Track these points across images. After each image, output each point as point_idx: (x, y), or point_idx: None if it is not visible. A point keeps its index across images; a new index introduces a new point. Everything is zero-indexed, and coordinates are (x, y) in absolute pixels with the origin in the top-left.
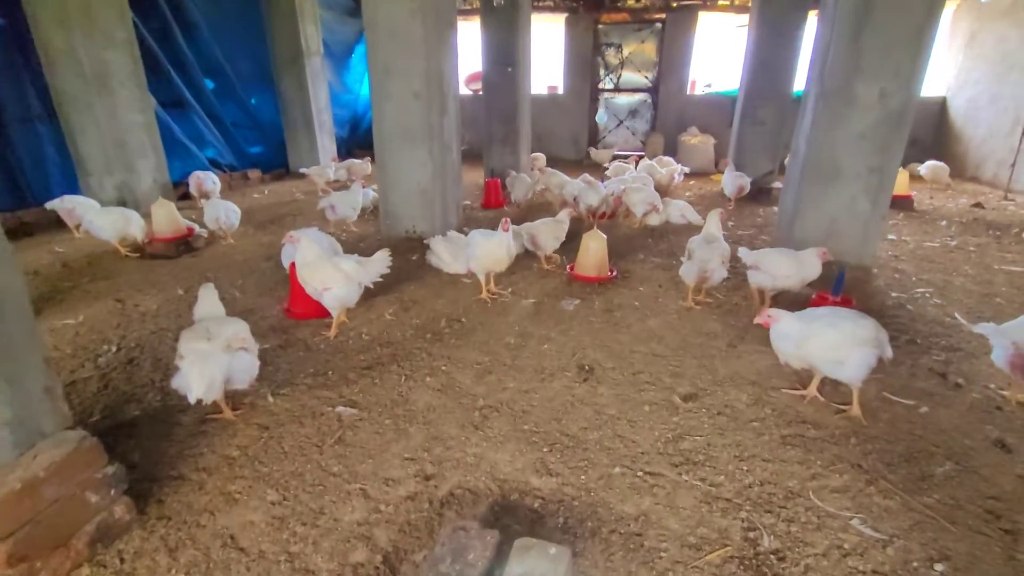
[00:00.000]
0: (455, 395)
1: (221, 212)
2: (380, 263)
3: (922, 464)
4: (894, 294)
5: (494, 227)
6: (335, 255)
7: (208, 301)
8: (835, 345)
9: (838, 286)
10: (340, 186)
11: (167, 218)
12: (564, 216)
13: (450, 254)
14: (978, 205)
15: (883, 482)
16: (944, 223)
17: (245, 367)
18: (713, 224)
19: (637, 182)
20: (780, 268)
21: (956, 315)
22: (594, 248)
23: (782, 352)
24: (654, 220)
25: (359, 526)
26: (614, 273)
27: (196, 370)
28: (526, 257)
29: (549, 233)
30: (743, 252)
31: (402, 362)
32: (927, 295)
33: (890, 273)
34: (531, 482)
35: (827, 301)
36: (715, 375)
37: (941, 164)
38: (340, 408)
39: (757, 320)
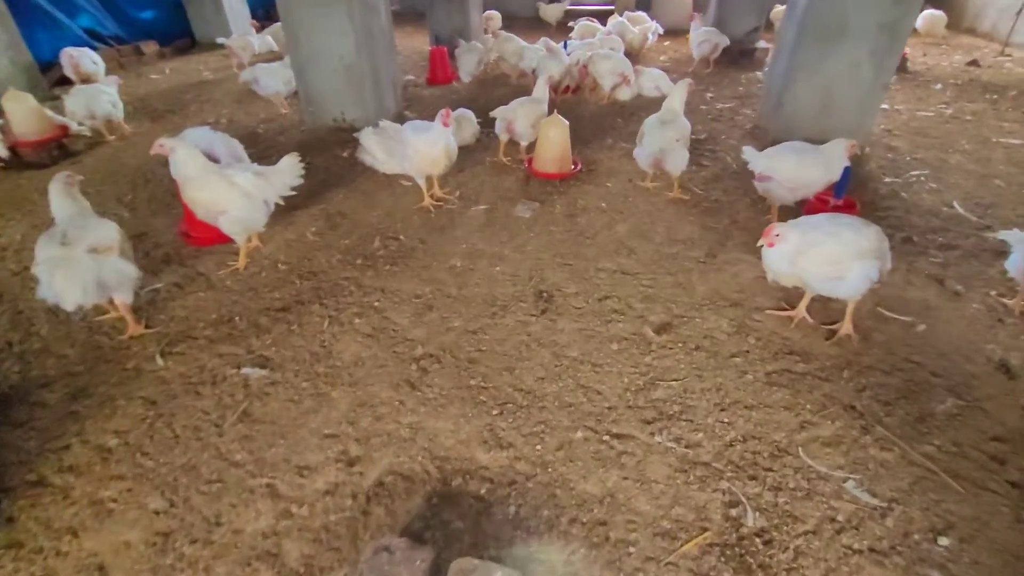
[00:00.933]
0: (389, 342)
1: (91, 101)
2: (288, 173)
3: (921, 401)
4: (887, 179)
5: (444, 106)
6: (233, 165)
7: (58, 200)
8: (835, 259)
9: (842, 186)
10: (269, 60)
11: (27, 115)
12: (542, 91)
13: (384, 150)
14: (973, 63)
15: (879, 428)
16: (939, 86)
17: (118, 274)
18: (676, 99)
19: (605, 47)
20: (803, 174)
21: (955, 204)
22: (555, 138)
23: (773, 271)
24: (625, 94)
25: (264, 538)
26: (578, 167)
27: (60, 275)
28: (478, 148)
29: (527, 118)
30: (749, 153)
31: (326, 299)
32: (922, 179)
33: (883, 152)
34: (477, 458)
35: (826, 206)
36: (692, 295)
37: (939, 13)
38: (247, 369)
39: (762, 242)
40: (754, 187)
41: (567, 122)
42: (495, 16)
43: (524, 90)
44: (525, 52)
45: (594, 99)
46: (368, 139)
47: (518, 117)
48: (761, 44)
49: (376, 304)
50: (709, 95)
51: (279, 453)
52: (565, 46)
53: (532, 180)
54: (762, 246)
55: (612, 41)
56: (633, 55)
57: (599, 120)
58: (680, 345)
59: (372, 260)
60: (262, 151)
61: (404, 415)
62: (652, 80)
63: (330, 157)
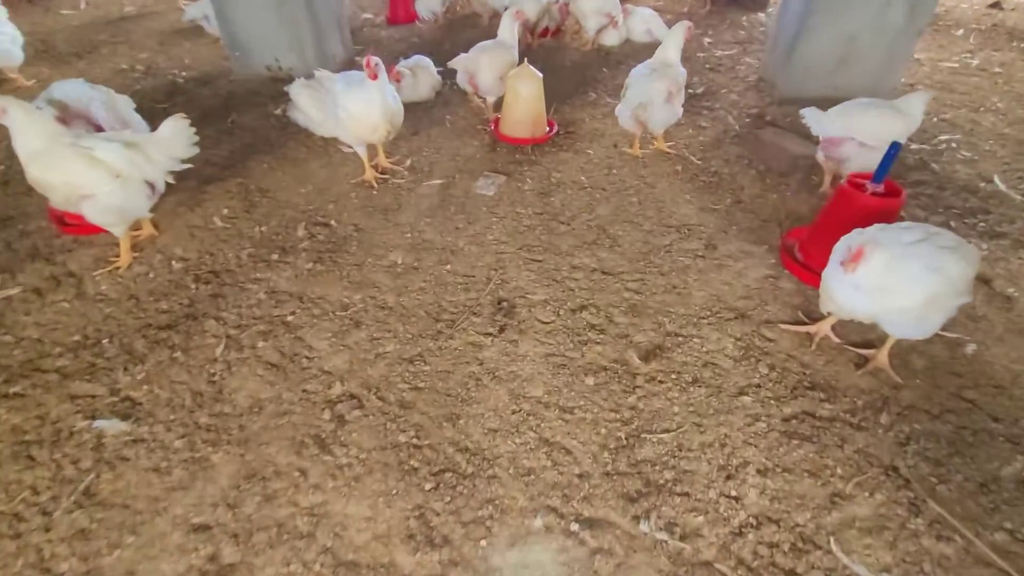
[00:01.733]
0: (298, 376)
1: None
2: (173, 142)
3: (981, 459)
4: (914, 146)
5: (405, 50)
6: (115, 132)
7: None
8: (935, 299)
9: (885, 166)
10: None
11: None
12: (509, 33)
13: (319, 108)
14: (996, 5)
15: (932, 504)
16: (960, 32)
17: None
18: (671, 46)
19: None
20: (886, 132)
21: (996, 179)
22: (526, 95)
23: (839, 303)
24: (611, 39)
25: None
26: (553, 129)
27: None
28: (438, 105)
29: (492, 68)
30: (812, 116)
31: (227, 311)
32: (953, 145)
33: None
34: (399, 562)
35: (862, 193)
36: (689, 303)
37: None
38: (101, 422)
39: (847, 267)
40: (761, 156)
41: (540, 75)
42: None
43: (491, 31)
44: None
45: (576, 44)
46: (299, 94)
47: (482, 67)
48: None
49: (289, 319)
50: (707, 40)
51: (122, 562)
52: None
53: (499, 146)
54: (833, 271)
55: None
56: None
57: (581, 70)
58: (673, 377)
59: (293, 255)
60: (178, 107)
61: (305, 493)
62: (643, 22)
63: (259, 115)
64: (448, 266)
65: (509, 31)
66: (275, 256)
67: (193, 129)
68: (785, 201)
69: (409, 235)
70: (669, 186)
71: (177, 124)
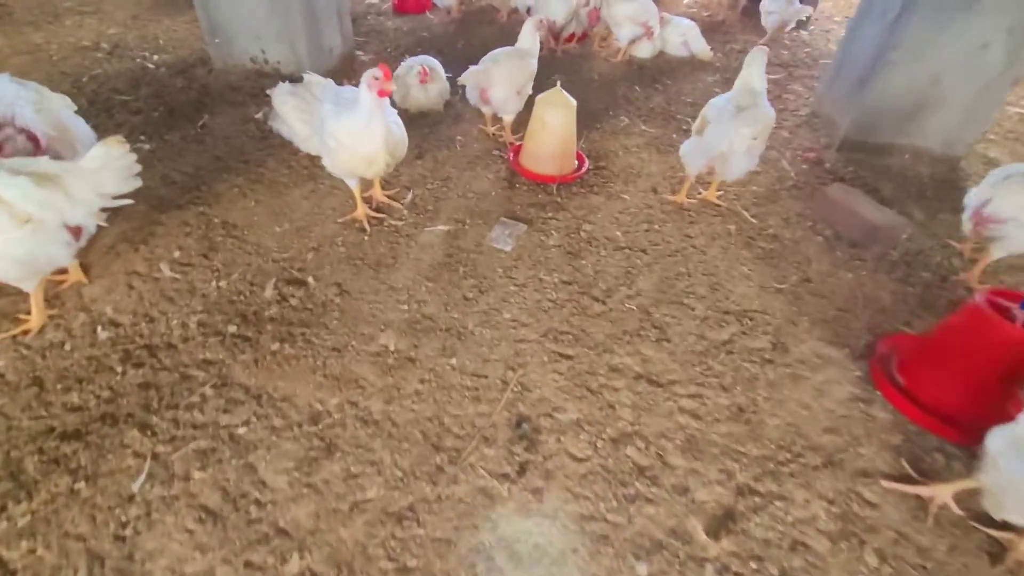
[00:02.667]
0: (242, 534)
1: None
2: (105, 174)
3: None
4: None
5: (410, 45)
6: (15, 161)
7: None
8: None
9: None
10: None
11: None
12: (530, 40)
13: (305, 120)
14: None
15: None
16: None
17: None
18: (755, 74)
19: None
20: None
21: None
22: (556, 126)
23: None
24: (645, 50)
25: None
26: (584, 166)
27: None
28: (447, 119)
29: (509, 83)
30: (983, 194)
31: (158, 411)
32: None
33: (978, 166)
34: None
35: (1008, 329)
36: (760, 439)
37: None
38: None
39: None
40: (827, 217)
41: (574, 102)
42: None
43: (515, 31)
44: None
45: (604, 53)
46: (283, 102)
47: (495, 81)
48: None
49: (241, 431)
50: (730, 45)
51: None
52: None
53: (518, 180)
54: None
55: None
56: None
57: (610, 86)
58: (753, 568)
59: (256, 327)
60: (142, 100)
61: None
62: (680, 33)
63: (237, 119)
64: (453, 359)
65: (530, 39)
66: (233, 328)
67: (133, 157)
68: (862, 283)
69: (406, 306)
70: (722, 252)
71: (111, 151)
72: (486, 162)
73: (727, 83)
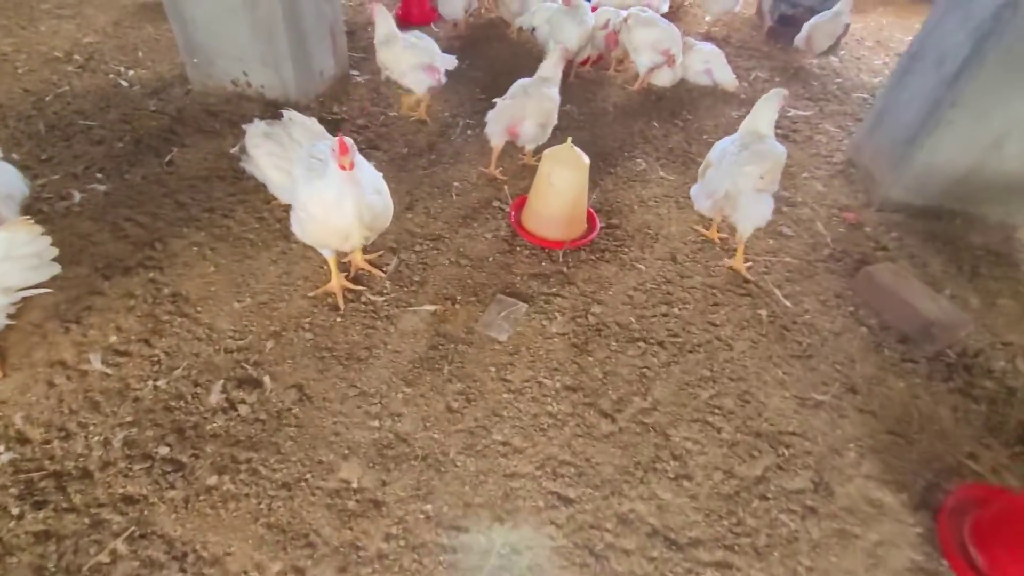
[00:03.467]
0: None
1: None
2: (9, 267)
3: None
4: None
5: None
6: None
7: None
8: None
9: None
10: None
11: None
12: (554, 70)
13: (282, 168)
14: None
15: None
16: None
17: None
18: (764, 117)
19: (646, 1)
20: None
21: None
22: (564, 187)
23: None
24: (664, 78)
25: None
26: (595, 229)
27: None
28: (447, 159)
29: (539, 114)
30: None
31: (56, 574)
32: None
33: None
34: None
35: None
36: None
37: None
38: None
39: None
40: (872, 302)
41: (587, 160)
42: None
43: (525, 49)
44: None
45: (621, 79)
46: (255, 146)
47: (529, 114)
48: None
49: None
50: (756, 74)
51: None
52: None
53: (518, 241)
54: None
55: None
56: (673, 17)
57: (626, 120)
58: None
59: (194, 448)
60: (107, 126)
61: None
62: (703, 60)
63: (209, 153)
64: (428, 505)
65: (553, 69)
66: (165, 449)
67: (47, 241)
68: (916, 394)
69: (376, 422)
70: (752, 348)
71: (15, 238)
72: (484, 217)
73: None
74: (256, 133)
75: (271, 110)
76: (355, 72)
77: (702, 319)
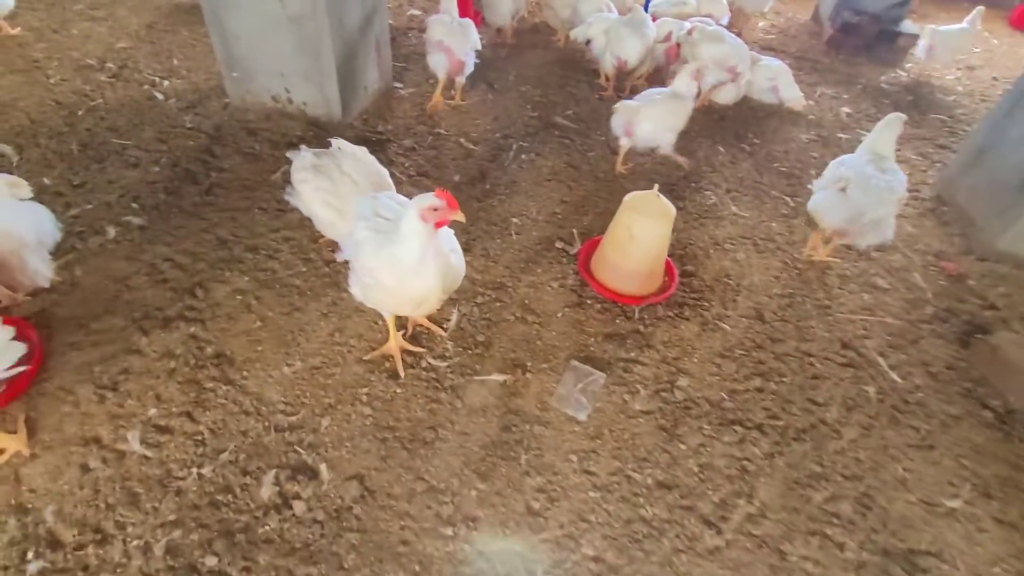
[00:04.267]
0: None
1: None
2: None
3: None
4: None
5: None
6: None
7: None
8: None
9: None
10: None
11: None
12: (687, 85)
13: (331, 204)
14: None
15: None
16: None
17: None
18: (886, 138)
19: (707, 11)
20: None
21: None
22: (646, 240)
23: None
24: (727, 96)
25: None
26: (674, 283)
27: None
28: (502, 188)
29: (664, 123)
30: None
31: None
32: None
33: None
34: None
35: None
36: None
37: None
38: None
39: None
40: (994, 379)
41: (673, 210)
42: None
43: (574, 60)
44: (580, 5)
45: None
46: (302, 180)
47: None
48: (908, 27)
49: None
50: (845, 111)
51: None
52: (647, 7)
53: (587, 291)
54: None
55: (717, 4)
56: (738, 29)
57: (688, 142)
58: None
59: (244, 561)
60: (143, 149)
61: None
62: (769, 77)
63: (250, 176)
64: None
65: (687, 85)
66: (212, 559)
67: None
68: None
69: (451, 529)
70: (863, 436)
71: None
72: (548, 261)
73: (826, 143)
74: (303, 166)
75: (312, 128)
76: (398, 84)
77: (802, 396)
